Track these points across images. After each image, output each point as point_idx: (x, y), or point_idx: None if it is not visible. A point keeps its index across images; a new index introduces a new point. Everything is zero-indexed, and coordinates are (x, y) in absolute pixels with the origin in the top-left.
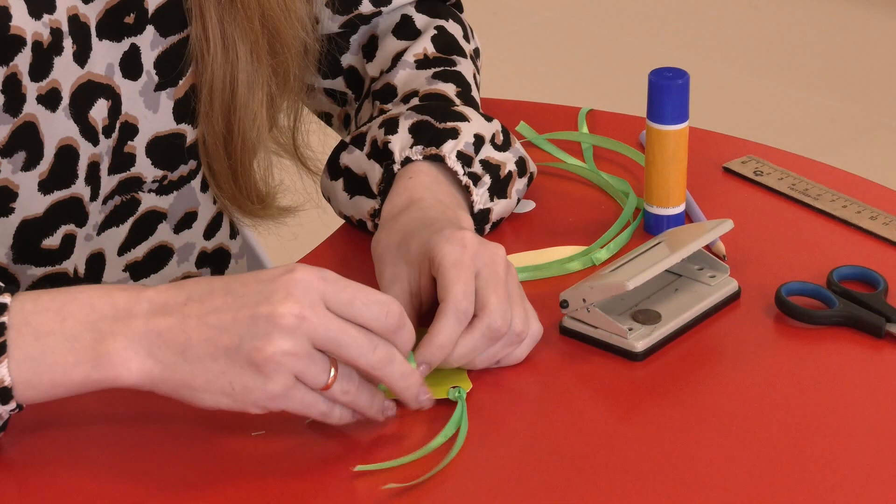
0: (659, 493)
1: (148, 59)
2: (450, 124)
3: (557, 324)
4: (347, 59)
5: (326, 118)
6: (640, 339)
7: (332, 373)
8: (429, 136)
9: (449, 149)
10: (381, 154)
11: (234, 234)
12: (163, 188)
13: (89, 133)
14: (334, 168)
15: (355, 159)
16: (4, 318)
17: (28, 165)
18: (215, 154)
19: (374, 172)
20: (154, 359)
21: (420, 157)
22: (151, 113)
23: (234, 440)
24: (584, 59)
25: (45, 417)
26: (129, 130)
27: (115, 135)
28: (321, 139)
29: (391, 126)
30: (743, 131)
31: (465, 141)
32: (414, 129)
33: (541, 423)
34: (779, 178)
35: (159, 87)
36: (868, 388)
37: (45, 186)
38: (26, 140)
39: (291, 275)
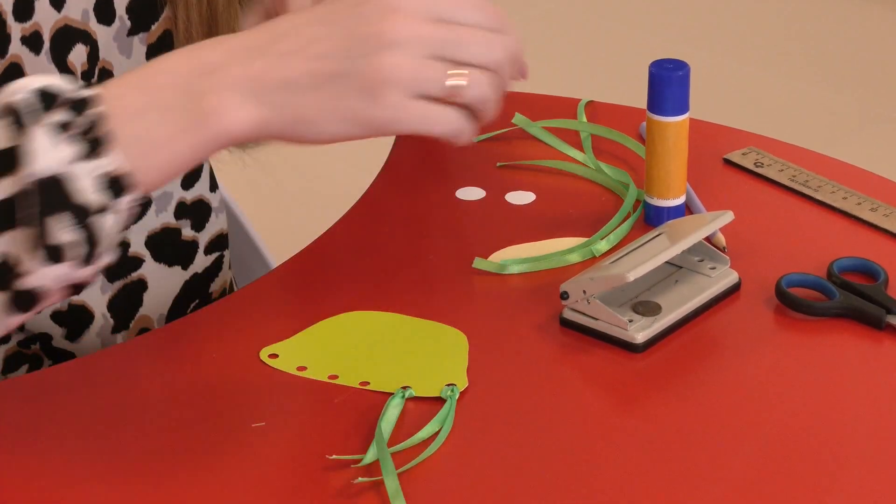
0: (659, 484)
1: (121, 4)
2: None
3: (557, 315)
4: None
5: None
6: (640, 331)
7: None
8: None
9: None
10: None
11: (213, 187)
12: None
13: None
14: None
15: None
16: (102, 107)
17: None
18: None
19: None
20: (259, 101)
21: None
22: (125, 59)
23: (220, 430)
24: (584, 50)
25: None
26: (107, 76)
27: (94, 80)
28: None
29: None
30: (743, 123)
31: None
32: None
33: (540, 414)
34: (779, 169)
35: (132, 33)
36: (868, 379)
37: None
38: None
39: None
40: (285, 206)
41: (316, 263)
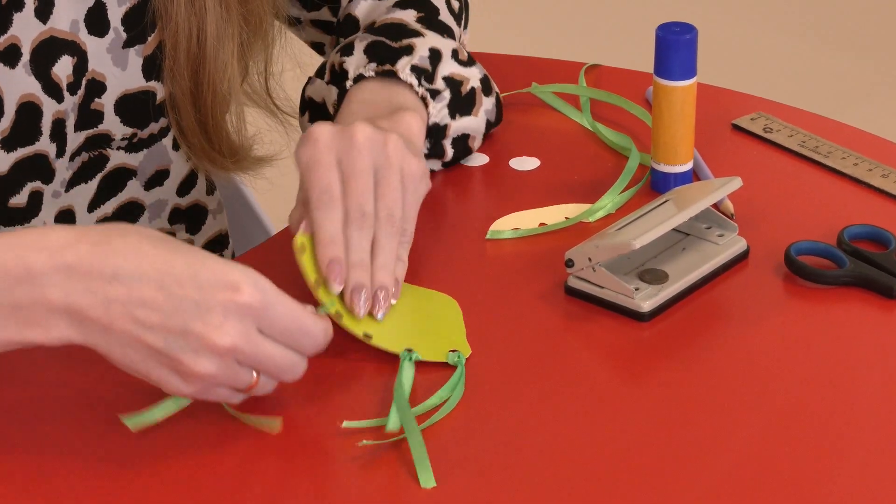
0: (665, 454)
1: (115, 15)
2: (405, 41)
3: (562, 283)
4: None
5: (319, 48)
6: (646, 299)
7: (255, 376)
8: (382, 55)
9: (403, 64)
10: (339, 77)
11: (210, 190)
12: (132, 146)
13: (53, 90)
14: (302, 103)
15: (316, 89)
16: None
17: None
18: (183, 109)
19: (332, 95)
20: (74, 330)
21: (373, 74)
22: (120, 70)
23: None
24: (590, 13)
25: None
26: (97, 87)
27: (80, 91)
28: (301, 83)
29: (347, 49)
30: (752, 87)
31: (419, 55)
32: (369, 50)
33: (545, 383)
34: (788, 135)
35: (127, 44)
36: (878, 348)
37: (8, 144)
38: None
39: (232, 296)
40: (286, 172)
41: None
